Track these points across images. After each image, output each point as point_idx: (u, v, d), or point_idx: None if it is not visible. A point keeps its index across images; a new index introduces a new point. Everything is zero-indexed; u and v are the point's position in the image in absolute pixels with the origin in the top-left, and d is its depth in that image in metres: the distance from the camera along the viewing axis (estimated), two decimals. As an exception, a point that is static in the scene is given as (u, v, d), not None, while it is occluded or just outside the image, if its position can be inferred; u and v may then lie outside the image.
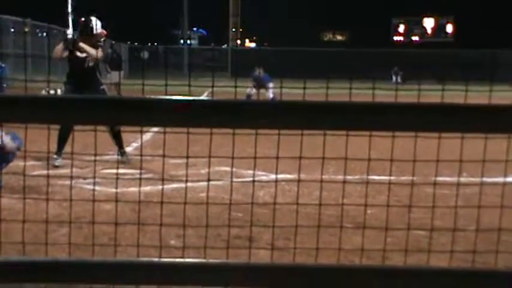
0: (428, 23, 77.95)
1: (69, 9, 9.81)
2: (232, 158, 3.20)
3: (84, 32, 9.82)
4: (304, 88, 3.08)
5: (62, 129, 8.66)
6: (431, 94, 3.89)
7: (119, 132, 9.44)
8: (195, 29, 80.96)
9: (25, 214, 3.46)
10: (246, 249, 4.32)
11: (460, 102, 2.82)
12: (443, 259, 4.10)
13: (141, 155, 8.75)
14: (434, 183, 3.79)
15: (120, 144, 9.56)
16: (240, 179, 7.60)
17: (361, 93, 3.17)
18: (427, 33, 77.92)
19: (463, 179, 4.91)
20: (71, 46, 9.54)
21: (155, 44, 67.65)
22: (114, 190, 5.50)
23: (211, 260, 3.38)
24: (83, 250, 3.96)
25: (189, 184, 5.14)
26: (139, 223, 3.56)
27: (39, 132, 2.90)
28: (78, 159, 8.51)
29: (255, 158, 3.15)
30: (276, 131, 2.94)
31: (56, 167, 8.80)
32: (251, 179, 6.80)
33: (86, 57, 9.59)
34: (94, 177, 6.27)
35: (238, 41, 76.35)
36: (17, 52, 30.54)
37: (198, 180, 7.18)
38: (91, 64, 9.68)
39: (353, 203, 5.83)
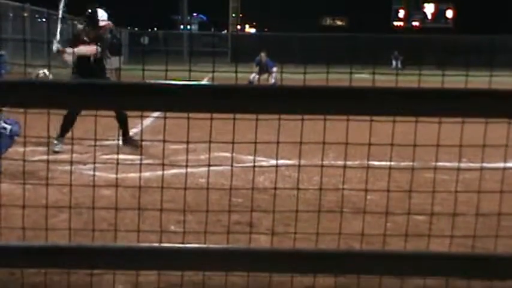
0: (429, 8, 77.69)
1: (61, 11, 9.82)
2: (233, 143, 3.20)
3: (90, 24, 9.79)
4: (305, 73, 3.08)
5: (69, 115, 8.59)
6: (431, 80, 3.87)
7: (125, 119, 9.42)
8: (194, 14, 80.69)
9: (25, 200, 3.46)
10: (246, 235, 4.33)
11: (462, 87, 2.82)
12: (443, 244, 4.11)
13: (141, 140, 8.75)
14: (435, 169, 3.80)
15: (125, 131, 9.53)
16: (240, 165, 7.60)
17: (361, 78, 3.17)
18: (427, 18, 77.67)
19: (463, 165, 4.90)
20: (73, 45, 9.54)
21: (155, 29, 67.47)
22: (114, 176, 5.50)
23: (211, 246, 3.38)
24: (83, 236, 3.96)
25: (189, 170, 5.14)
26: (139, 208, 3.56)
27: (39, 117, 2.90)
28: (78, 145, 8.51)
29: (255, 143, 3.15)
30: (276, 116, 2.93)
31: (56, 152, 8.80)
32: (251, 164, 6.80)
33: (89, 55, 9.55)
34: (94, 163, 6.26)
35: (238, 27, 76.13)
36: (16, 37, 30.46)
37: (198, 166, 7.18)
38: (98, 56, 9.64)
39: (353, 188, 5.83)
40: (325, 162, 3.38)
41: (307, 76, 3.04)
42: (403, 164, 4.45)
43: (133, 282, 3.73)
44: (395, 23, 78.57)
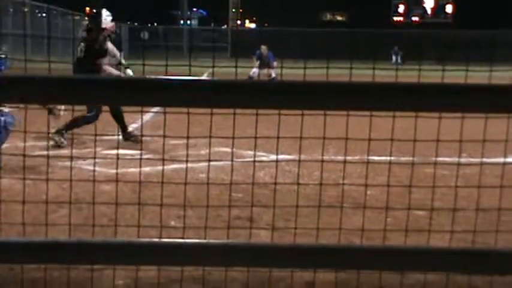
0: (428, 3, 77.60)
1: None
2: (233, 138, 3.20)
3: (93, 25, 9.77)
4: (305, 68, 3.08)
5: (89, 117, 8.43)
6: (431, 75, 3.87)
7: (120, 114, 9.41)
8: (194, 9, 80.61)
9: (25, 195, 3.46)
10: (247, 230, 4.32)
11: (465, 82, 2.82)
12: (443, 239, 4.11)
13: (141, 136, 8.74)
14: (435, 164, 3.79)
15: (122, 126, 9.52)
16: (240, 160, 7.60)
17: (362, 73, 3.16)
18: (426, 13, 77.59)
19: (463, 160, 4.90)
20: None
21: (155, 24, 67.44)
22: (114, 171, 5.49)
23: (211, 241, 3.38)
24: (83, 231, 3.96)
25: (189, 165, 5.14)
26: (140, 204, 3.56)
27: (39, 112, 2.90)
28: (78, 140, 8.51)
29: (255, 138, 3.15)
30: (276, 112, 2.93)
31: (58, 146, 8.76)
32: (251, 159, 6.80)
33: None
34: (94, 158, 6.26)
35: (238, 22, 76.09)
36: (16, 32, 30.46)
37: (198, 161, 7.18)
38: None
39: (353, 183, 5.83)
40: (325, 157, 3.37)
41: (307, 71, 3.04)
42: (403, 159, 4.46)
43: (134, 278, 3.73)
44: (395, 18, 78.52)
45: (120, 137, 9.34)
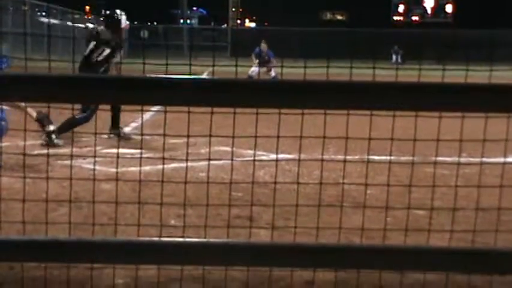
0: (428, 3, 77.63)
1: None
2: (233, 137, 3.20)
3: (110, 26, 9.78)
4: (305, 67, 3.08)
5: (81, 118, 8.40)
6: (431, 74, 3.87)
7: (118, 112, 9.41)
8: (194, 8, 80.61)
9: (25, 193, 3.46)
10: (246, 229, 4.33)
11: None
12: (443, 239, 4.11)
13: (142, 134, 8.74)
14: (435, 163, 3.79)
15: (115, 123, 9.53)
16: (240, 159, 7.60)
17: (362, 72, 3.16)
18: (426, 13, 77.61)
19: (463, 159, 4.90)
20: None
21: (155, 23, 67.43)
22: (114, 169, 5.50)
23: (211, 240, 3.38)
24: (83, 230, 3.96)
25: (189, 164, 5.15)
26: (140, 202, 3.56)
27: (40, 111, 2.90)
28: (78, 139, 8.51)
29: (255, 137, 3.15)
30: (276, 111, 2.94)
31: (58, 146, 8.75)
32: (251, 158, 6.79)
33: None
34: (94, 157, 6.26)
35: (238, 21, 76.09)
36: (16, 31, 30.45)
37: (198, 160, 7.18)
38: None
39: (353, 182, 5.83)
40: (325, 157, 3.37)
41: (307, 70, 3.04)
42: (403, 158, 4.46)
43: (133, 277, 3.73)
44: (395, 18, 78.56)
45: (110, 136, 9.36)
